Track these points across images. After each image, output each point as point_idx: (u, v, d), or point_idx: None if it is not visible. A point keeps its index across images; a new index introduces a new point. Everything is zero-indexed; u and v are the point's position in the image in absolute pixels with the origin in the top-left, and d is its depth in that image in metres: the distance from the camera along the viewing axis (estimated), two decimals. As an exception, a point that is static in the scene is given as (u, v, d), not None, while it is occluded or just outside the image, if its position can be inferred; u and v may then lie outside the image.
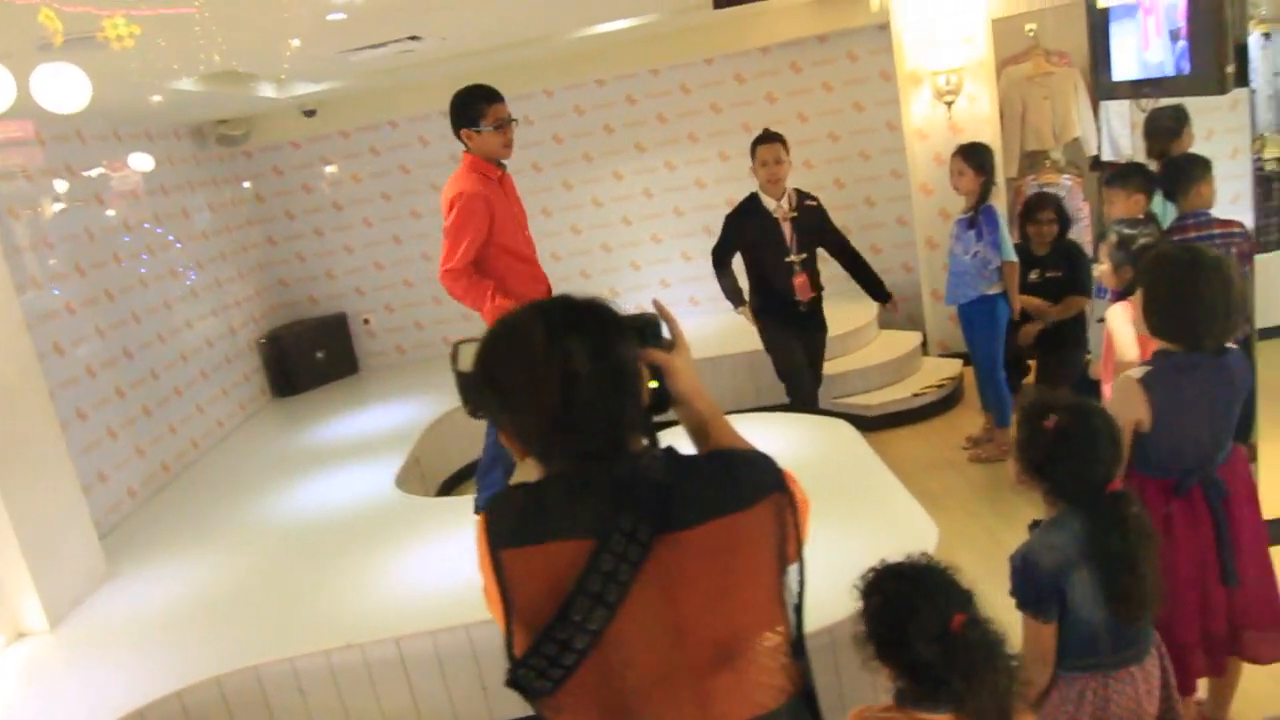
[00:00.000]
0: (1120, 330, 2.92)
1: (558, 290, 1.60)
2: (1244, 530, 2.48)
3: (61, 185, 4.98)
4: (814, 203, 4.72)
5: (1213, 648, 2.49)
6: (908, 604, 1.58)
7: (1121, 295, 3.13)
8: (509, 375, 1.25)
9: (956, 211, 4.81)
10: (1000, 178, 5.57)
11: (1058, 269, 4.74)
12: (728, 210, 4.79)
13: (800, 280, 4.62)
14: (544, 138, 6.96)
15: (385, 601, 3.48)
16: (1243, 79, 2.94)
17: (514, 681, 1.22)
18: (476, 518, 1.31)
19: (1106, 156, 5.62)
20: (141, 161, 5.78)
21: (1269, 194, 4.61)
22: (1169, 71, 3.13)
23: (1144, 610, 1.99)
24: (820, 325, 4.85)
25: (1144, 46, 3.27)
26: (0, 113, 2.84)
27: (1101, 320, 3.24)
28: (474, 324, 3.31)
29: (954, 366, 5.94)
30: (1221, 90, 2.89)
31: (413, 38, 4.69)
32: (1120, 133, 5.56)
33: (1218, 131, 4.32)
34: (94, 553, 4.14)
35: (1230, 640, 2.51)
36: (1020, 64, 6.20)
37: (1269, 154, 4.64)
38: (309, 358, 7.02)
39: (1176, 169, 3.73)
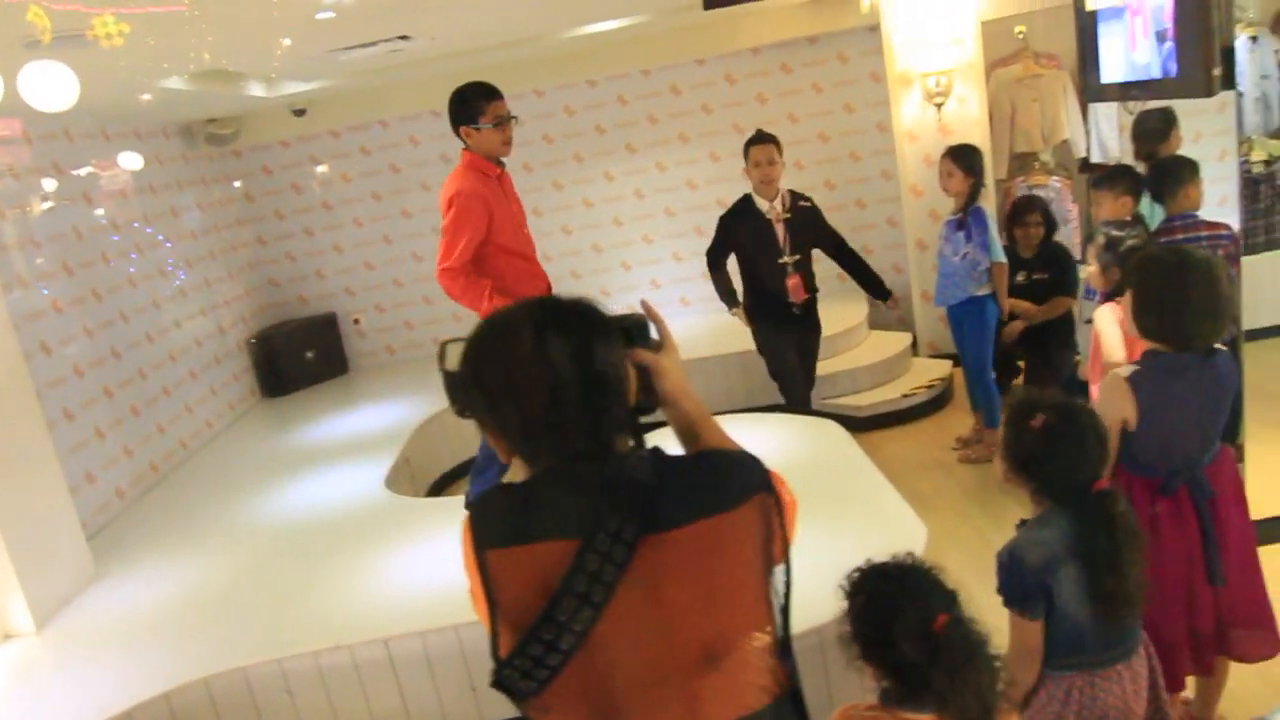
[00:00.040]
0: (1107, 331, 2.94)
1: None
2: (1231, 530, 2.50)
3: (49, 184, 4.95)
4: (808, 204, 4.71)
5: (1200, 646, 2.51)
6: (892, 604, 1.58)
7: (1109, 297, 3.15)
8: (495, 375, 1.25)
9: (946, 213, 4.82)
10: (989, 179, 5.59)
11: (1044, 271, 4.75)
12: (719, 211, 4.79)
13: (793, 281, 4.61)
14: (535, 138, 6.95)
15: (374, 602, 3.47)
16: (1230, 82, 2.95)
17: (499, 682, 1.21)
18: (462, 518, 1.30)
19: (1095, 158, 5.66)
20: (130, 160, 5.76)
21: (1256, 196, 4.64)
22: (1156, 74, 3.14)
23: (1129, 609, 2.00)
24: (814, 326, 4.84)
25: (1131, 48, 3.28)
26: (-13, 111, 2.83)
27: (1089, 322, 3.25)
28: (464, 324, 3.30)
29: (943, 367, 5.95)
30: (1208, 92, 2.90)
31: (403, 37, 4.68)
32: (1109, 135, 5.60)
33: (1205, 134, 4.35)
34: (81, 553, 4.12)
35: (1217, 639, 2.53)
36: (1009, 66, 6.24)
37: (1256, 156, 4.67)
38: (299, 358, 6.99)
39: (1164, 171, 3.76)
